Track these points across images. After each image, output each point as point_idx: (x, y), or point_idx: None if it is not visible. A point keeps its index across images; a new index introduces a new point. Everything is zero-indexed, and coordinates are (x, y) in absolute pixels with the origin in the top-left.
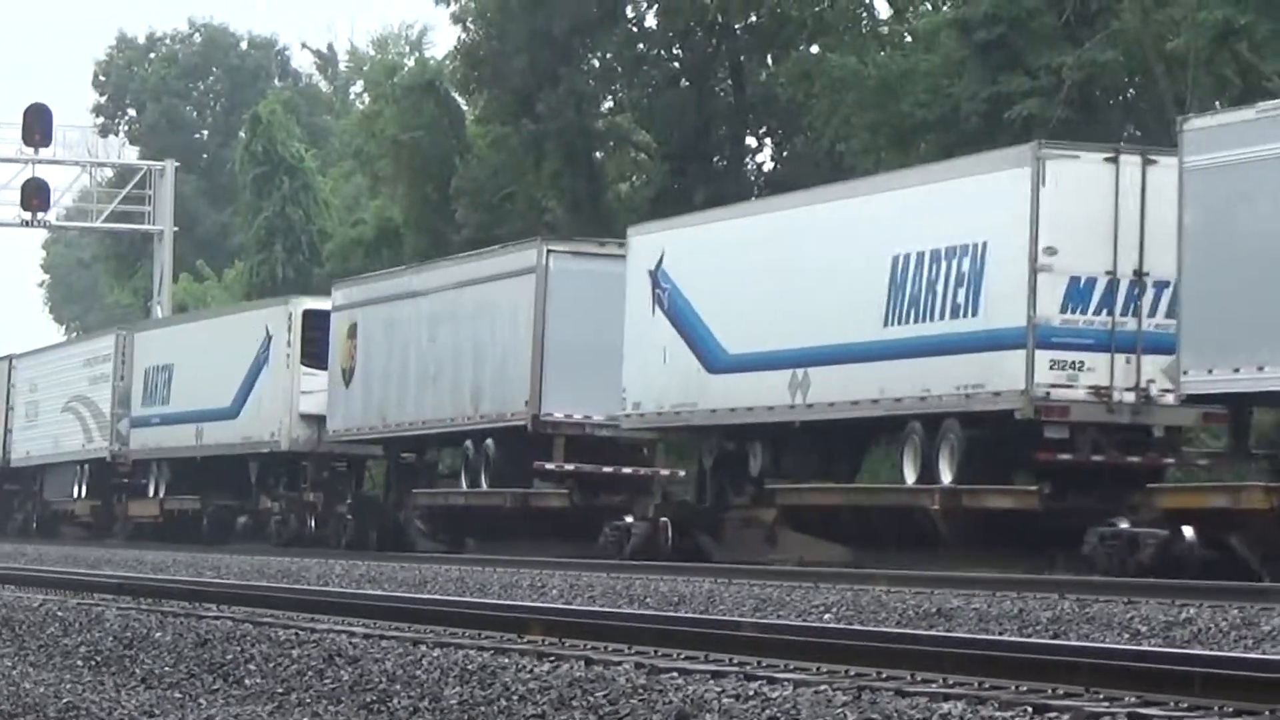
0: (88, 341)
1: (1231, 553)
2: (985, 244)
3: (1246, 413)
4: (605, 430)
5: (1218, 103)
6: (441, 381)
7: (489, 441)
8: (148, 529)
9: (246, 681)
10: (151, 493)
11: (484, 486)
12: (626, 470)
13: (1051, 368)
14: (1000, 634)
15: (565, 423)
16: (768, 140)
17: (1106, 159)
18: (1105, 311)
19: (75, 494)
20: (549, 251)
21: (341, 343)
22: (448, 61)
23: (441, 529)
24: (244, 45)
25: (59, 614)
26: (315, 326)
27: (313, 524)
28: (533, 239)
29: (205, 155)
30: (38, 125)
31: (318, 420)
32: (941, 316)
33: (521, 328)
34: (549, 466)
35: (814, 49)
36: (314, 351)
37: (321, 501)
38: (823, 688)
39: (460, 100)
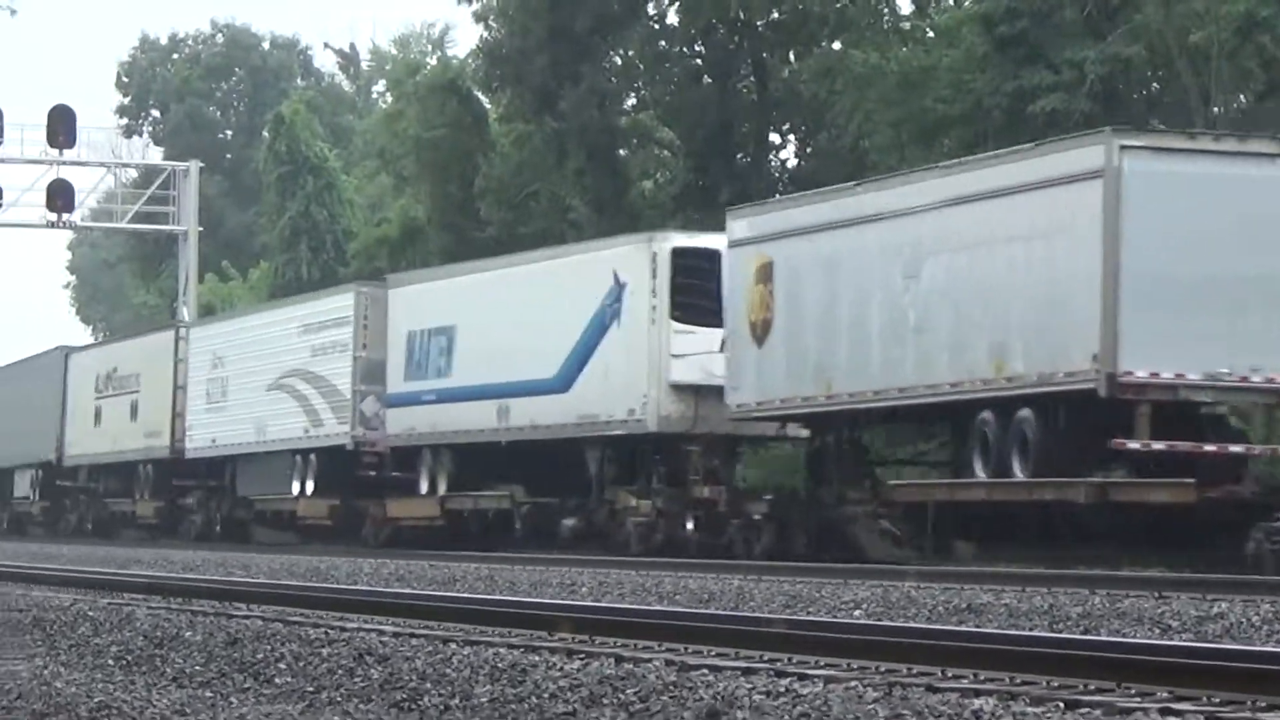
0: (308, 303)
1: None
2: None
3: None
4: (1205, 393)
5: (1241, 96)
6: (931, 334)
7: (1025, 412)
8: (416, 534)
9: (277, 680)
10: (425, 488)
11: (1018, 474)
12: (1236, 449)
13: None
14: (1031, 629)
15: (1152, 384)
16: (791, 137)
17: None
18: None
19: (296, 490)
20: (1122, 148)
21: (748, 288)
22: (470, 60)
23: (922, 530)
24: (266, 45)
25: (90, 614)
26: (690, 270)
27: (691, 526)
28: (1098, 131)
29: (229, 155)
30: (61, 127)
31: (694, 392)
32: None
33: (1081, 255)
34: (1133, 446)
35: (836, 45)
36: (688, 303)
37: (724, 498)
38: (853, 684)
39: (483, 99)
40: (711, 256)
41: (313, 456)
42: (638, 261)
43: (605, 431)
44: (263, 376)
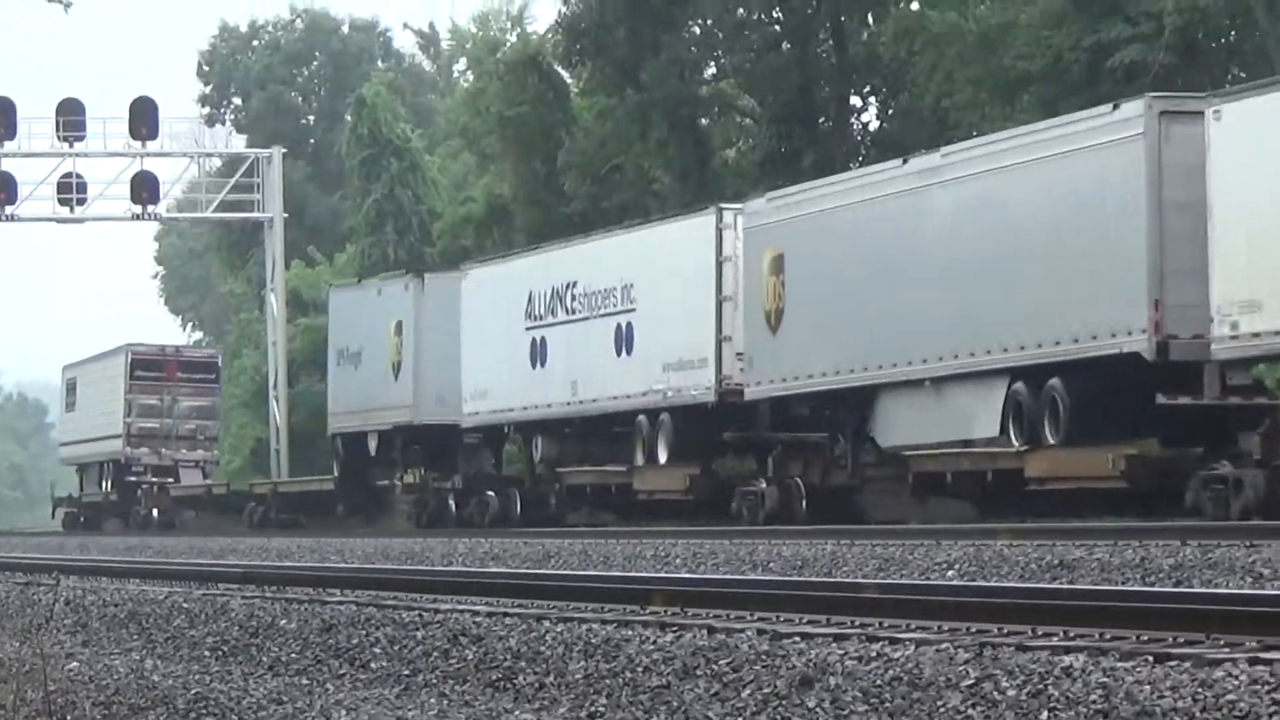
0: None
1: None
2: None
3: None
4: None
5: None
6: None
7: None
8: None
9: (372, 665)
10: None
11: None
12: None
13: None
14: (1123, 583)
15: None
16: (872, 99)
17: None
18: None
19: None
20: None
21: None
22: (550, 35)
23: None
24: (346, 29)
25: (184, 605)
26: None
27: None
28: None
29: (312, 140)
30: (144, 119)
31: None
32: None
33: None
34: None
35: (914, 6)
36: None
37: None
38: (945, 646)
39: (564, 73)
40: None
41: None
42: None
43: None
44: None
